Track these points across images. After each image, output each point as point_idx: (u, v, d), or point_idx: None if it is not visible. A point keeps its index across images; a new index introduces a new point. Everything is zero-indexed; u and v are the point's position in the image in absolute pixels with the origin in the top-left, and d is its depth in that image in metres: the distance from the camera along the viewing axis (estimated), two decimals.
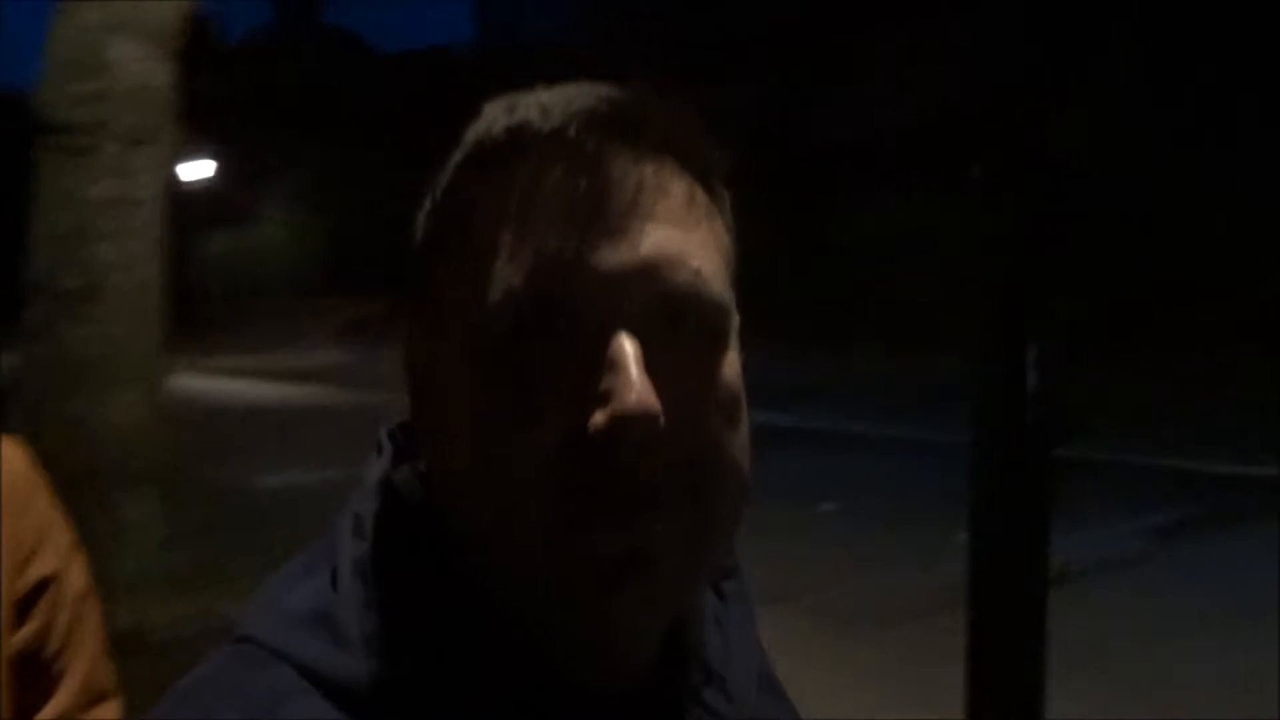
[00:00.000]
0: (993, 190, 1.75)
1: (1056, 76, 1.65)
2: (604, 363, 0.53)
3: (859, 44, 18.36)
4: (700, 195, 0.58)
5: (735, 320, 0.59)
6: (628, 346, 0.52)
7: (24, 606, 1.09)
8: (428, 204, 0.61)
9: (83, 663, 1.13)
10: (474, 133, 0.59)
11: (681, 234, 0.55)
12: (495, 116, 0.59)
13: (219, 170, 20.05)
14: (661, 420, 0.52)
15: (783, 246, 14.00)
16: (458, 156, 0.60)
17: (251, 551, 5.56)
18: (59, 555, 1.12)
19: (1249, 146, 13.29)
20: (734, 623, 0.67)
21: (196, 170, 17.15)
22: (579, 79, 0.60)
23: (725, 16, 24.44)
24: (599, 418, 0.52)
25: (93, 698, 1.14)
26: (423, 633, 0.56)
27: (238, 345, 18.57)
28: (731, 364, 0.58)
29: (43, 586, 1.10)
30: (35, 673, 1.10)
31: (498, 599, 0.56)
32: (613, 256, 0.54)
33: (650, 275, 0.54)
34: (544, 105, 0.57)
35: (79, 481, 3.81)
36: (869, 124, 18.19)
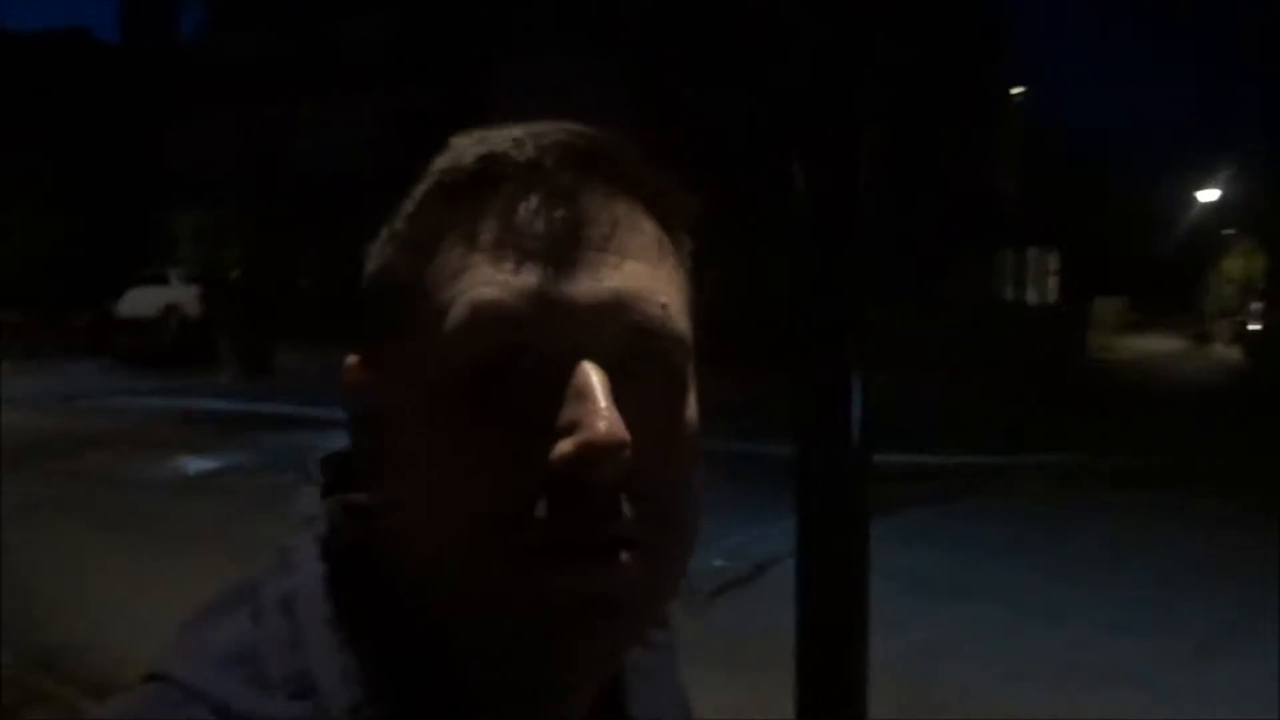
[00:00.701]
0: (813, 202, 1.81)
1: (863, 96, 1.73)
2: (570, 393, 0.52)
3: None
4: (664, 236, 0.58)
5: (692, 359, 0.59)
6: (594, 376, 0.52)
7: None
8: (384, 233, 0.59)
9: None
10: (442, 162, 0.58)
11: (651, 270, 0.56)
12: (464, 148, 0.57)
13: None
14: (629, 451, 0.51)
15: None
16: (423, 186, 0.58)
17: None
18: None
19: None
20: (658, 673, 0.67)
21: None
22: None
23: (378, 25, 24.32)
24: (566, 445, 0.51)
25: None
26: (348, 672, 0.53)
27: None
28: (691, 404, 0.58)
29: None
30: None
31: (435, 638, 0.55)
32: (584, 288, 0.53)
33: (621, 308, 0.54)
34: (516, 138, 0.57)
35: None
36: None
